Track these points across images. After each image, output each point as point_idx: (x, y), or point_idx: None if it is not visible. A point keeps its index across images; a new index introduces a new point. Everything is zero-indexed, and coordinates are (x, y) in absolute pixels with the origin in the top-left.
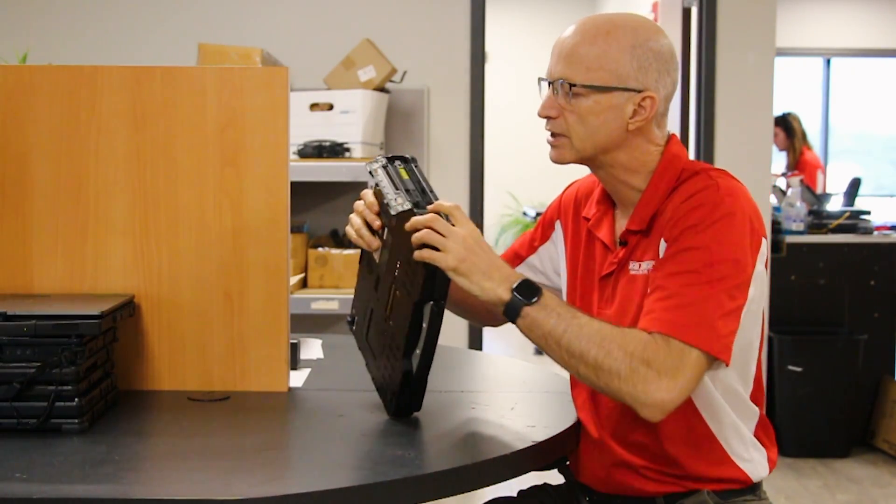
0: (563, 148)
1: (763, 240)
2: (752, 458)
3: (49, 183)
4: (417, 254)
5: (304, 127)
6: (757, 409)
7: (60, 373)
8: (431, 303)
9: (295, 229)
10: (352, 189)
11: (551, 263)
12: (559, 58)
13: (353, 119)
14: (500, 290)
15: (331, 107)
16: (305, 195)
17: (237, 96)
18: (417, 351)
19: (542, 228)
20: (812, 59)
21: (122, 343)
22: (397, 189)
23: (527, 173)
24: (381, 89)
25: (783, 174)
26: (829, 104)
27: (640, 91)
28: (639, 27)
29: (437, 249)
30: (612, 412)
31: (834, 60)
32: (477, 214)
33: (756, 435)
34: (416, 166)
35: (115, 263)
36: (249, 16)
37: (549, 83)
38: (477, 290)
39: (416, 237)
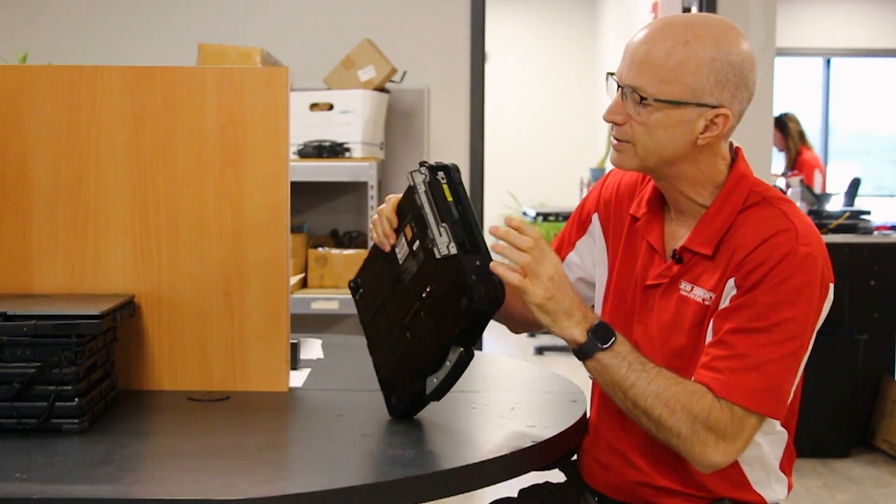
0: (626, 154)
1: (830, 285)
2: (772, 488)
3: (49, 183)
4: (513, 277)
5: (304, 127)
6: (785, 433)
7: (60, 373)
8: (462, 350)
9: (295, 229)
10: (352, 189)
11: (591, 256)
12: (631, 63)
13: (353, 119)
14: (576, 330)
15: (331, 107)
16: (305, 195)
17: (237, 96)
18: (434, 379)
19: (578, 223)
20: (812, 59)
21: (122, 343)
22: (441, 221)
23: (527, 173)
24: (381, 89)
25: (783, 174)
26: (829, 104)
27: (714, 107)
28: (720, 38)
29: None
30: (640, 429)
31: (834, 60)
32: (477, 214)
33: (781, 464)
34: (459, 180)
35: (115, 263)
36: (249, 16)
37: (619, 86)
38: (555, 328)
39: (515, 259)
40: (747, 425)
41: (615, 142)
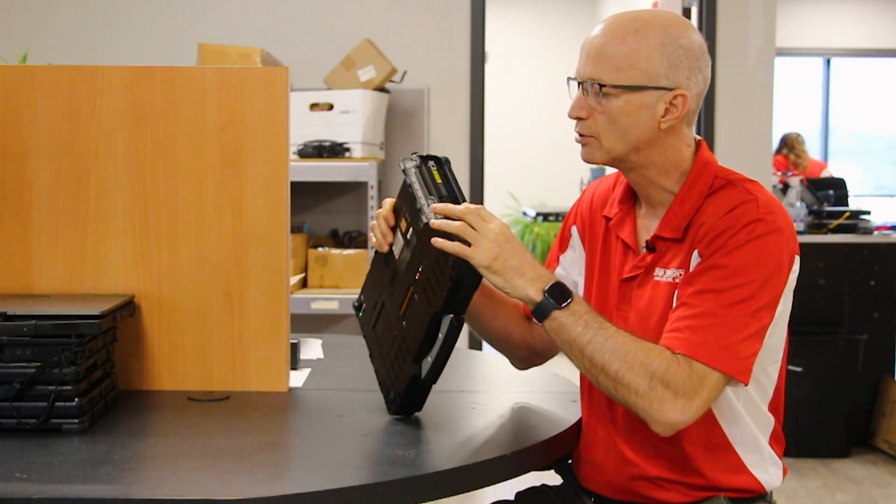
0: (591, 147)
1: (796, 256)
2: (767, 471)
3: (49, 183)
4: (451, 246)
5: (304, 127)
6: (772, 418)
7: (60, 373)
8: (451, 316)
9: (295, 229)
10: (352, 189)
11: (574, 267)
12: (588, 58)
13: (353, 119)
14: (531, 289)
15: (331, 107)
16: (305, 195)
17: (237, 96)
18: (429, 359)
19: (560, 240)
20: (812, 59)
21: (122, 343)
22: (430, 194)
23: (527, 173)
24: (381, 89)
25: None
26: (829, 104)
27: (671, 89)
28: (669, 24)
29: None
30: (630, 419)
31: (834, 60)
32: None
33: (770, 445)
34: (448, 169)
35: (115, 263)
36: (249, 16)
37: (579, 83)
38: (509, 289)
39: (450, 229)
40: (706, 383)
41: (580, 137)
